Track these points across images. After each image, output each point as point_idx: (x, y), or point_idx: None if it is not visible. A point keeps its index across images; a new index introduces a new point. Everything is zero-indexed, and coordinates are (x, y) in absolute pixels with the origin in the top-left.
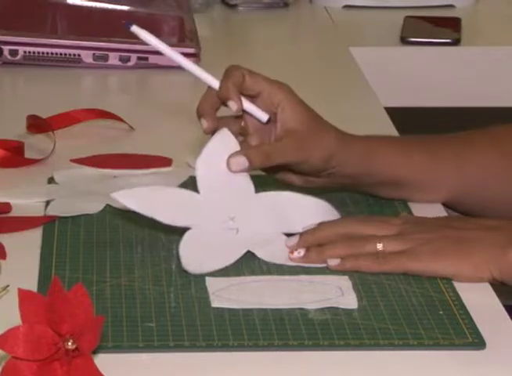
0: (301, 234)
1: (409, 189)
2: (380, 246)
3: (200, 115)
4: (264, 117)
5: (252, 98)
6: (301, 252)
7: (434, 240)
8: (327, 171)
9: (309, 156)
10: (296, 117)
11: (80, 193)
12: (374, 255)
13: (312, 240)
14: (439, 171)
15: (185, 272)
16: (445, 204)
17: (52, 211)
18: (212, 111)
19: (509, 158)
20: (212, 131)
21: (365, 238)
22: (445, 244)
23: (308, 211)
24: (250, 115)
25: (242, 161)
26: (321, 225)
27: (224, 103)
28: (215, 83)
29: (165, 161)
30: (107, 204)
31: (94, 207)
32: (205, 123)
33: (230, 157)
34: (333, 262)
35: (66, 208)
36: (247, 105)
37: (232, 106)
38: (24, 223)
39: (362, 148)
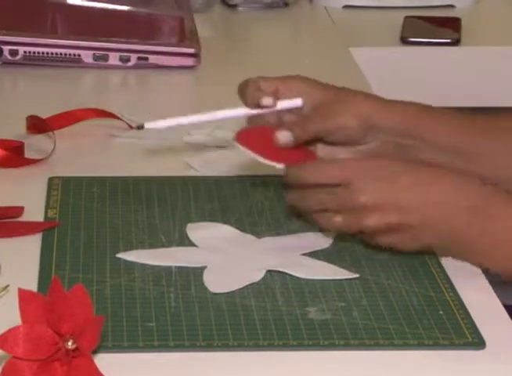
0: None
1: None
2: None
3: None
4: (297, 101)
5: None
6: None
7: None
8: (368, 136)
9: (341, 121)
10: (317, 94)
11: None
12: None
13: None
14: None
15: (184, 271)
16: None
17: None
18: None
19: None
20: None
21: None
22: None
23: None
24: (284, 110)
25: (286, 134)
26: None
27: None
28: (242, 110)
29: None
30: (107, 204)
31: None
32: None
33: (277, 133)
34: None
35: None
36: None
37: (267, 100)
38: (24, 229)
39: (406, 112)
